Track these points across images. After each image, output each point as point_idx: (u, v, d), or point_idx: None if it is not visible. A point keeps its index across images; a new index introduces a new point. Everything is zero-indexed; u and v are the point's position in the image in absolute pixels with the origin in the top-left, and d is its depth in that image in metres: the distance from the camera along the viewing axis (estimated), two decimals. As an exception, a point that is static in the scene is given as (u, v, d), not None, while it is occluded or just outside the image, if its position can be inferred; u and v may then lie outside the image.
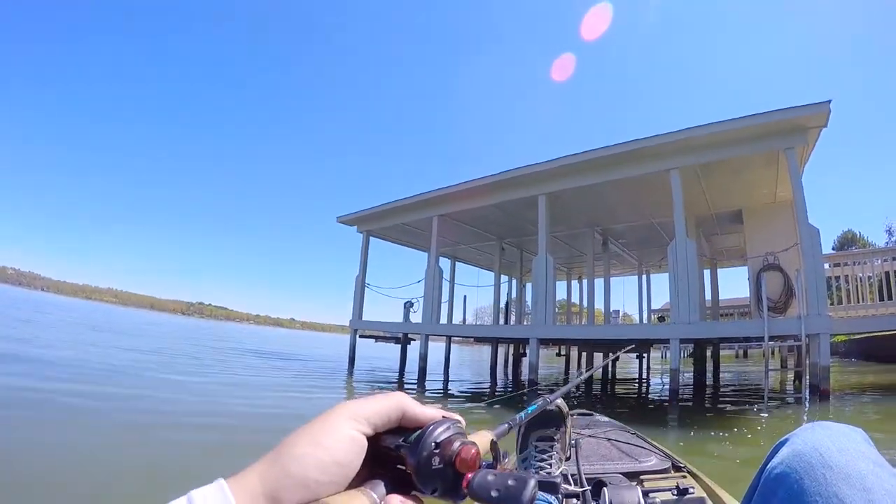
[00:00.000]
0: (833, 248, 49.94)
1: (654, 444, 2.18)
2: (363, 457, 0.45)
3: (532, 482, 0.43)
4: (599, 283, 15.18)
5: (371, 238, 16.11)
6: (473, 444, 0.46)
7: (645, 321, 17.78)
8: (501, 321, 17.48)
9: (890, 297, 9.94)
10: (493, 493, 0.42)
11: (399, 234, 16.19)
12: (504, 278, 18.40)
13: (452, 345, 16.63)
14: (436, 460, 0.45)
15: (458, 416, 0.52)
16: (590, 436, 2.19)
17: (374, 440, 0.47)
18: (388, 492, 0.45)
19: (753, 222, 11.81)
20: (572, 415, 1.95)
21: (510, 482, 0.42)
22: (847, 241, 52.24)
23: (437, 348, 17.41)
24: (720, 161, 9.71)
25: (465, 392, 11.64)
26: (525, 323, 16.54)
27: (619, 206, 12.19)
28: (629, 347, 4.07)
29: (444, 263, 17.89)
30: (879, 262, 10.47)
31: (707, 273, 15.82)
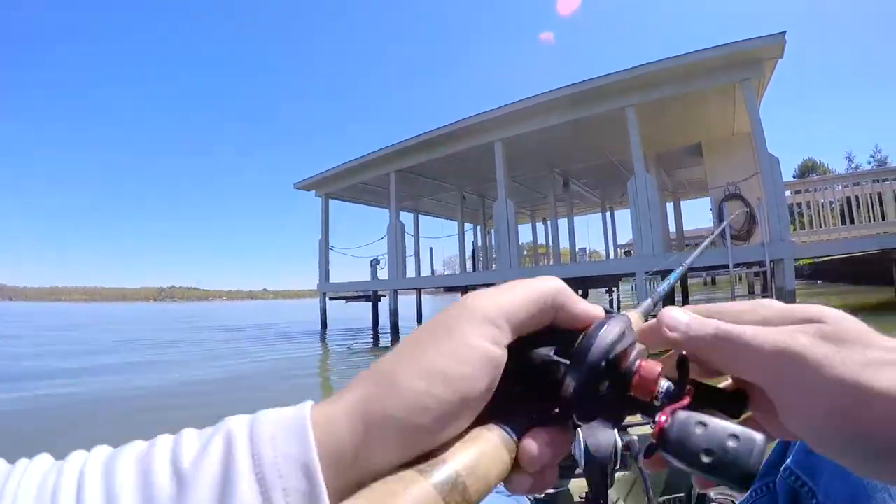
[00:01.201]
0: (794, 177, 51.36)
1: None
2: (499, 377, 0.30)
3: (759, 441, 0.28)
4: (564, 223, 15.23)
5: (332, 200, 15.90)
6: (657, 360, 0.33)
7: (612, 257, 17.97)
8: (470, 269, 17.44)
9: (851, 221, 10.16)
10: (705, 459, 0.28)
11: (358, 194, 15.92)
12: (469, 226, 18.30)
13: (424, 296, 16.65)
14: (605, 384, 0.31)
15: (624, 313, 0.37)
16: None
17: (515, 348, 0.32)
18: (529, 424, 0.31)
19: (713, 154, 11.84)
20: None
21: (730, 442, 0.28)
22: (807, 170, 53.71)
23: (409, 302, 17.50)
24: (676, 96, 9.61)
25: None
26: (492, 268, 16.57)
27: (577, 146, 12.05)
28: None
29: (407, 218, 17.73)
30: (840, 187, 10.62)
31: (670, 206, 15.95)
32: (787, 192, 10.60)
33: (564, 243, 15.32)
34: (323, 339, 14.08)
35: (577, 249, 16.85)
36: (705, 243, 1.20)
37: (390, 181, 13.26)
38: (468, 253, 17.97)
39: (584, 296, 14.39)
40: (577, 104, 10.09)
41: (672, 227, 16.13)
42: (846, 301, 12.79)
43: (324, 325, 15.54)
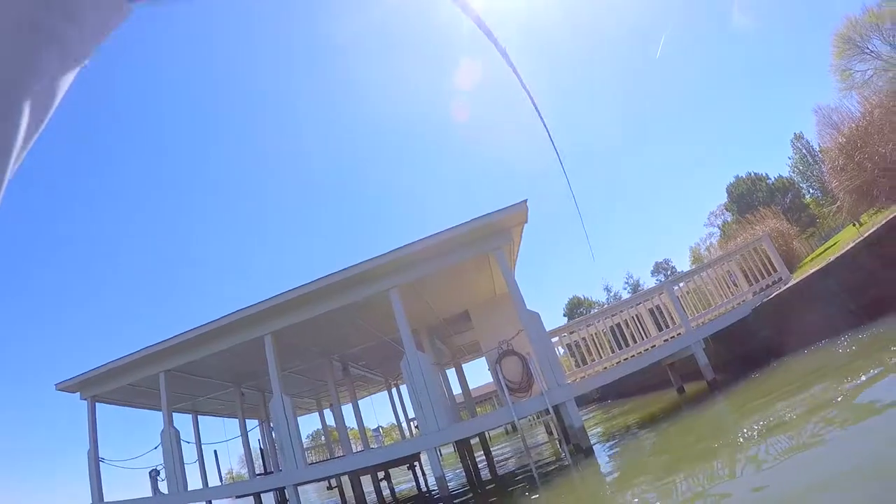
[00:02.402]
0: (564, 315, 57.29)
1: None
2: None
3: None
4: (354, 407, 14.88)
5: (100, 404, 13.96)
6: None
7: (406, 432, 17.77)
8: (261, 468, 16.06)
9: (621, 346, 11.15)
10: None
11: (129, 396, 14.14)
12: (255, 422, 17.11)
13: (223, 502, 14.83)
14: None
15: None
16: None
17: None
18: None
19: (480, 319, 12.51)
20: None
21: None
22: (575, 305, 60.15)
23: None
24: (436, 271, 10.13)
25: None
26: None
27: (350, 331, 12.13)
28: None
29: (186, 419, 16.16)
30: (602, 320, 11.64)
31: (453, 371, 16.40)
32: (556, 338, 11.42)
33: (355, 424, 14.91)
34: None
35: (371, 431, 16.43)
36: None
37: (160, 382, 12.02)
38: (256, 450, 16.51)
39: (386, 476, 13.91)
40: (341, 291, 10.20)
41: (458, 390, 16.53)
42: (637, 416, 13.57)
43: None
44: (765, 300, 10.04)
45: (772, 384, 8.09)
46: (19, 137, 0.55)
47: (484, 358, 12.80)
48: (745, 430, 5.83)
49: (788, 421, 5.37)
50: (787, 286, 9.64)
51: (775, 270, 10.66)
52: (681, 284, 11.74)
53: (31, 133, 0.57)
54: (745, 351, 10.75)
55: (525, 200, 9.40)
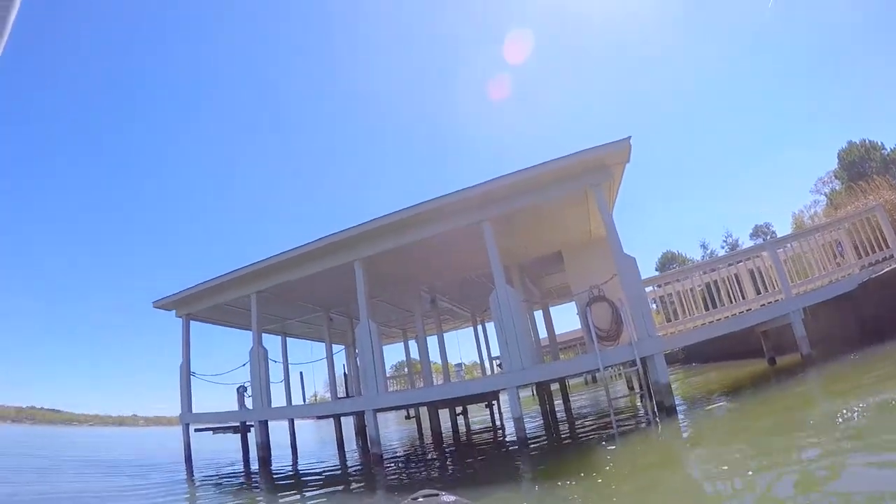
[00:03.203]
0: (656, 269, 55.10)
1: None
2: None
3: None
4: (439, 340, 14.91)
5: (194, 322, 14.69)
6: None
7: (487, 370, 17.73)
8: (343, 394, 16.53)
9: (714, 306, 10.54)
10: None
11: (221, 315, 14.80)
12: (340, 348, 17.54)
13: (305, 422, 15.41)
14: None
15: None
16: None
17: None
18: None
19: (574, 260, 12.10)
20: (415, 498, 1.93)
21: None
22: (668, 261, 57.84)
23: (283, 428, 16.17)
24: (530, 206, 9.76)
25: (317, 475, 10.75)
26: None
27: (440, 262, 11.99)
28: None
29: (275, 340, 16.73)
30: (699, 276, 11.07)
31: (540, 314, 16.08)
32: (650, 288, 10.95)
33: (438, 359, 14.93)
34: (190, 477, 12.36)
35: (454, 366, 16.49)
36: None
37: (251, 303, 12.44)
38: (339, 375, 17.04)
39: (464, 412, 14.02)
40: (433, 220, 10.00)
41: (544, 334, 16.24)
42: (725, 379, 13.02)
43: (188, 460, 13.84)
44: (873, 276, 9.07)
45: (876, 368, 7.32)
46: None
47: (573, 303, 12.53)
48: (842, 413, 5.22)
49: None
50: None
51: (887, 246, 9.58)
52: (786, 246, 10.88)
53: None
54: (846, 329, 9.85)
55: (629, 137, 8.81)
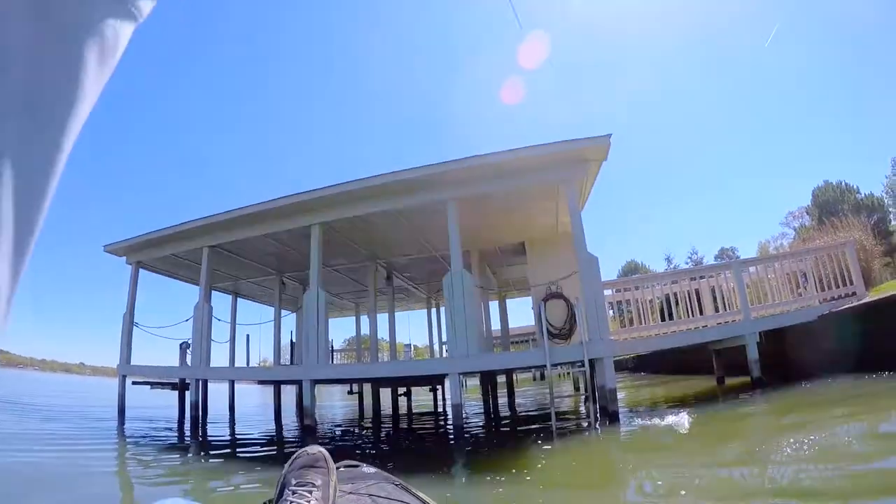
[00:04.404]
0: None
1: (420, 496, 1.71)
2: None
3: None
4: (390, 317, 14.67)
5: (144, 271, 14.19)
6: None
7: (437, 354, 17.55)
8: (288, 361, 16.20)
9: (671, 318, 10.47)
10: None
11: (172, 268, 14.30)
12: (291, 314, 17.17)
13: (251, 387, 15.06)
14: None
15: None
16: (350, 492, 1.73)
17: None
18: None
19: (536, 254, 11.95)
20: (337, 467, 1.61)
21: None
22: (630, 271, 58.45)
23: (223, 391, 15.78)
24: (500, 192, 9.56)
25: (249, 441, 10.55)
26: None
27: (400, 237, 11.73)
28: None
29: (225, 299, 16.30)
30: (659, 286, 10.99)
31: (495, 304, 15.92)
32: (609, 291, 10.84)
33: (389, 336, 14.73)
34: (122, 430, 11.95)
35: (403, 346, 16.25)
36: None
37: (203, 257, 12.03)
38: (285, 342, 16.72)
39: (407, 393, 13.78)
40: (398, 193, 9.72)
41: (497, 325, 16.09)
42: (672, 392, 13.00)
43: (121, 412, 13.34)
44: (834, 310, 9.12)
45: (823, 399, 7.44)
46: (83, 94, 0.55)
47: (530, 298, 12.39)
48: (780, 440, 5.19)
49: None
50: (863, 301, 8.73)
51: (851, 283, 9.64)
52: (750, 269, 10.85)
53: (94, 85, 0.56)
54: (799, 358, 9.92)
55: (609, 135, 8.61)
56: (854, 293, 9.50)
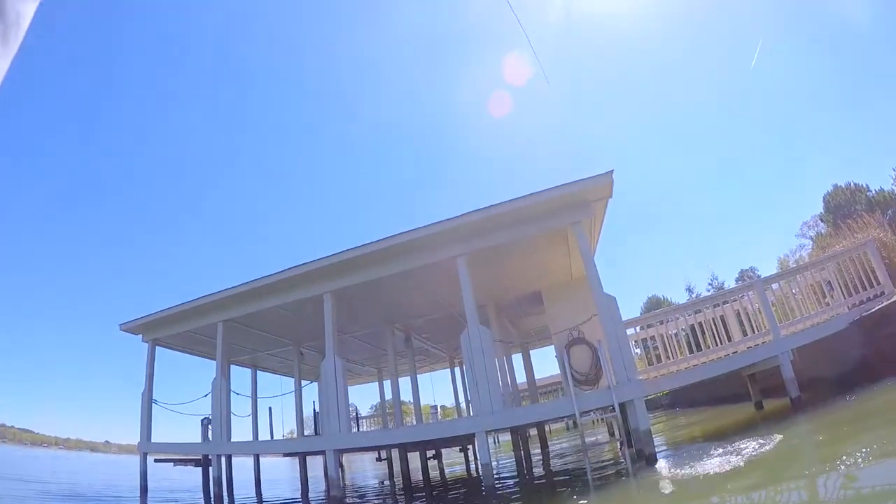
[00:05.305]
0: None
1: None
2: None
3: None
4: (413, 379, 14.44)
5: (164, 349, 14.09)
6: None
7: (465, 414, 17.19)
8: (312, 431, 15.91)
9: (699, 348, 10.14)
10: None
11: (188, 343, 14.22)
12: (314, 384, 16.93)
13: (278, 459, 14.77)
14: None
15: None
16: None
17: None
18: None
19: (553, 301, 11.77)
20: None
21: None
22: (653, 305, 57.38)
23: (249, 466, 15.52)
24: (508, 243, 9.43)
25: None
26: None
27: (414, 298, 11.63)
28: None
29: (245, 373, 16.16)
30: (683, 317, 10.70)
31: (518, 357, 15.63)
32: (632, 330, 10.55)
33: (414, 399, 14.48)
34: None
35: (429, 408, 15.95)
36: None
37: (217, 332, 11.94)
38: (307, 413, 16.37)
39: (437, 456, 13.39)
40: (405, 253, 9.67)
41: (522, 378, 15.79)
42: (709, 425, 12.52)
43: (143, 491, 13.07)
44: (864, 314, 8.77)
45: (868, 411, 7.02)
46: None
47: (553, 347, 12.13)
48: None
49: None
50: (894, 300, 8.38)
51: (878, 283, 9.29)
52: (773, 286, 10.51)
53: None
54: (836, 370, 9.51)
55: (611, 171, 8.49)
56: (882, 293, 9.17)
